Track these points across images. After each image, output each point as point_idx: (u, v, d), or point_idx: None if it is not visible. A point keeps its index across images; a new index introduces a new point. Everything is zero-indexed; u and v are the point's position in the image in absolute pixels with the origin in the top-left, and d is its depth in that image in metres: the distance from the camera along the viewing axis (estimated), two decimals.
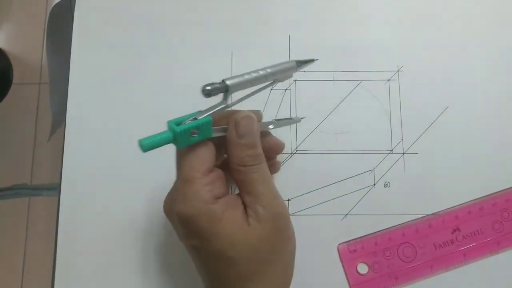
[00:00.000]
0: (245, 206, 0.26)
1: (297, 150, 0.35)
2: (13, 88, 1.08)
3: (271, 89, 0.36)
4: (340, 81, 0.36)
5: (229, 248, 0.25)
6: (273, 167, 0.32)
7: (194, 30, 0.38)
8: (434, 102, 0.36)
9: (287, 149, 0.35)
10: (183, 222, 0.25)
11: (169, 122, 0.25)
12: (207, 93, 0.24)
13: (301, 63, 0.28)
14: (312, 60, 0.29)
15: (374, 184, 0.35)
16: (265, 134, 0.29)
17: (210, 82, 0.24)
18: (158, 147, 0.24)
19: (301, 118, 0.33)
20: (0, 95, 1.06)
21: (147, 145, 0.23)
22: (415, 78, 0.36)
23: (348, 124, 0.36)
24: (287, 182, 0.34)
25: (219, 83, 0.24)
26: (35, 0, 1.10)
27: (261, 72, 0.26)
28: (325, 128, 0.36)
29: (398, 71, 0.37)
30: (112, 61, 0.37)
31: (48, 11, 0.39)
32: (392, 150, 0.35)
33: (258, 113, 0.29)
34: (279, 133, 0.35)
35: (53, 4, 0.38)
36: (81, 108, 0.36)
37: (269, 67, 0.26)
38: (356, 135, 0.36)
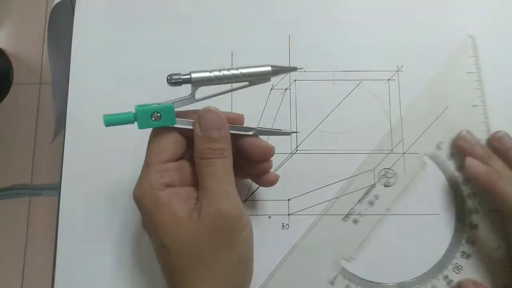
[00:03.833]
0: (197, 200, 0.26)
1: (297, 150, 0.35)
2: (13, 88, 1.08)
3: (272, 90, 0.36)
4: (340, 81, 0.36)
5: (165, 237, 0.25)
6: (265, 179, 0.30)
7: (194, 30, 0.38)
8: (434, 102, 0.36)
9: (287, 149, 0.35)
10: (136, 203, 0.26)
11: (136, 105, 0.26)
12: (171, 82, 0.26)
13: (279, 70, 0.27)
14: (293, 68, 0.28)
15: (374, 184, 0.35)
16: (252, 137, 0.29)
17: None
18: (119, 124, 0.26)
19: (293, 132, 0.32)
20: (0, 95, 1.06)
21: (108, 121, 0.25)
22: (415, 78, 0.36)
23: (348, 124, 0.36)
24: (287, 182, 0.34)
25: (184, 74, 0.26)
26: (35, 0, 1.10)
27: (232, 72, 0.26)
28: (325, 128, 0.36)
29: (398, 71, 0.37)
30: (112, 61, 0.37)
31: (49, 11, 0.39)
32: (392, 150, 0.35)
33: (238, 116, 0.29)
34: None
35: (54, 4, 0.38)
36: (81, 108, 0.36)
37: (242, 68, 0.26)
38: (356, 135, 0.36)
